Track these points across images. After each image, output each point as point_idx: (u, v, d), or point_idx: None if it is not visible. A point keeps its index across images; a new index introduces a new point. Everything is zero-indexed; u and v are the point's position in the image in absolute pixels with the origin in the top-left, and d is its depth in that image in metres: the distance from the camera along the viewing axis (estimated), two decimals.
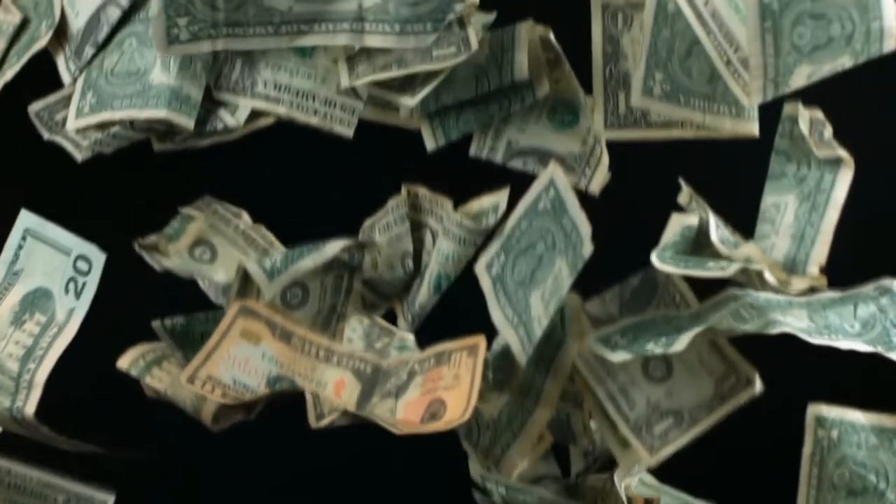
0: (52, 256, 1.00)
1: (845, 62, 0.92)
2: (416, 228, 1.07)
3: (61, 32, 1.04)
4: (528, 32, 1.04)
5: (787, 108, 1.01)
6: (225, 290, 1.04)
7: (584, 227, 0.89)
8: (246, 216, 1.11)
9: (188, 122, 1.02)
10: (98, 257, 0.99)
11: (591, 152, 1.07)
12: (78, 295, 0.99)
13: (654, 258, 0.95)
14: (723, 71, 0.96)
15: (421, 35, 0.88)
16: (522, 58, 1.04)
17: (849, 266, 0.98)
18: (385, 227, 1.08)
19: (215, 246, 1.09)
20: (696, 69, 1.01)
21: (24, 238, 1.01)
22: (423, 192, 1.07)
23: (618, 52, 1.05)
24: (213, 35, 0.89)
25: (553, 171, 0.92)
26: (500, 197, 1.04)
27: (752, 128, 1.02)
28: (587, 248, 0.88)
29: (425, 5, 0.88)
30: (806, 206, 1.00)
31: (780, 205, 1.01)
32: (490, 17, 1.01)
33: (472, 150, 1.08)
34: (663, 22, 1.01)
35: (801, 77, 0.92)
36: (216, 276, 1.06)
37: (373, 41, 0.89)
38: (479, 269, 0.98)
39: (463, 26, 0.99)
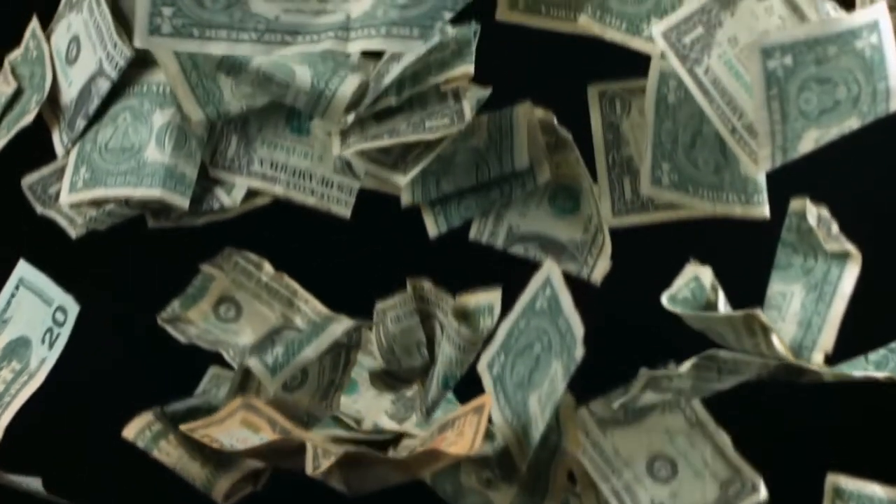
0: (37, 306, 0.99)
1: (853, 124, 0.91)
2: (426, 318, 1.05)
3: (55, 102, 1.03)
4: (526, 116, 1.04)
5: (794, 204, 1.01)
6: (250, 352, 1.03)
7: (578, 329, 0.87)
8: (267, 266, 1.10)
9: (183, 202, 1.01)
10: (73, 309, 0.97)
11: (593, 240, 1.05)
12: (51, 345, 0.97)
13: (664, 300, 0.94)
14: (728, 139, 0.95)
15: (407, 39, 0.87)
16: (522, 146, 1.03)
17: None
18: (396, 319, 1.05)
19: (239, 302, 1.08)
20: (701, 160, 1.00)
21: (17, 287, 1.00)
22: (427, 286, 1.05)
23: (619, 139, 1.04)
24: (196, 35, 0.87)
25: (549, 269, 0.90)
26: (494, 297, 1.01)
27: (763, 211, 1.01)
28: (579, 351, 0.87)
29: (415, 9, 0.87)
30: (813, 296, 1.00)
31: (787, 293, 1.01)
32: (485, 93, 1.00)
33: (472, 234, 1.06)
34: (665, 113, 1.01)
35: (810, 142, 0.91)
36: (242, 339, 1.05)
37: (356, 46, 0.88)
38: (482, 368, 0.97)
39: (458, 98, 0.99)
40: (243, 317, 1.08)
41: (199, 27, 0.87)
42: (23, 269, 1.00)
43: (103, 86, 1.00)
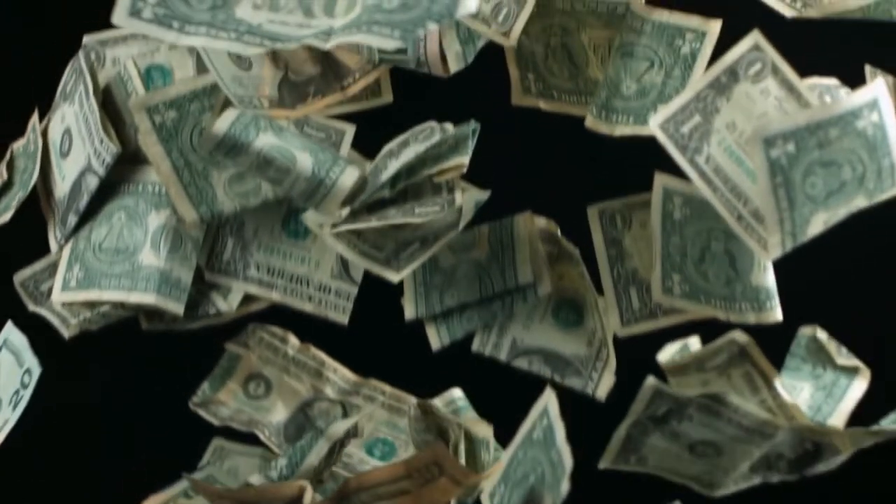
0: (13, 368, 0.97)
1: (860, 203, 0.90)
2: (443, 432, 1.03)
3: (51, 196, 1.02)
4: (526, 227, 1.03)
5: (804, 331, 1.01)
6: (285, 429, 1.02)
7: (567, 462, 0.84)
8: (293, 338, 1.08)
9: (178, 308, 1.00)
10: (36, 371, 0.95)
11: (597, 354, 1.03)
12: (15, 406, 0.96)
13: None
14: (734, 226, 0.93)
15: (387, 38, 0.85)
16: (524, 260, 1.02)
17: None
18: (417, 432, 1.04)
19: (268, 378, 1.07)
20: (711, 273, 0.99)
21: (0, 349, 0.98)
22: (434, 406, 1.04)
23: (622, 253, 1.03)
24: (175, 27, 0.86)
25: (548, 399, 0.88)
26: (487, 431, 1.02)
27: (776, 315, 0.99)
28: (565, 486, 0.84)
29: (400, 15, 0.86)
30: (822, 394, 1.00)
31: (797, 387, 1.00)
32: (483, 195, 0.99)
33: (475, 346, 1.04)
34: (671, 229, 1.00)
35: (818, 225, 0.90)
36: (275, 416, 1.04)
37: (335, 42, 0.87)
38: (484, 498, 0.93)
39: (451, 190, 0.98)
40: (273, 392, 1.07)
41: (180, 21, 0.86)
42: (8, 331, 0.98)
43: (92, 182, 1.00)
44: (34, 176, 1.02)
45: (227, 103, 0.99)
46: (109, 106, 1.01)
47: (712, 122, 0.94)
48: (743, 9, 0.96)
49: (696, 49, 0.98)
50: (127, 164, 1.00)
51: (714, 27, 0.98)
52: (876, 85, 0.89)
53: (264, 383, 1.07)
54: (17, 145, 1.05)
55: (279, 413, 1.06)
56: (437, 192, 0.98)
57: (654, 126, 0.94)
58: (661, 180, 1.00)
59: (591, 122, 1.01)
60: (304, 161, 0.97)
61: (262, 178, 0.98)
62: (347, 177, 0.98)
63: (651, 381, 0.90)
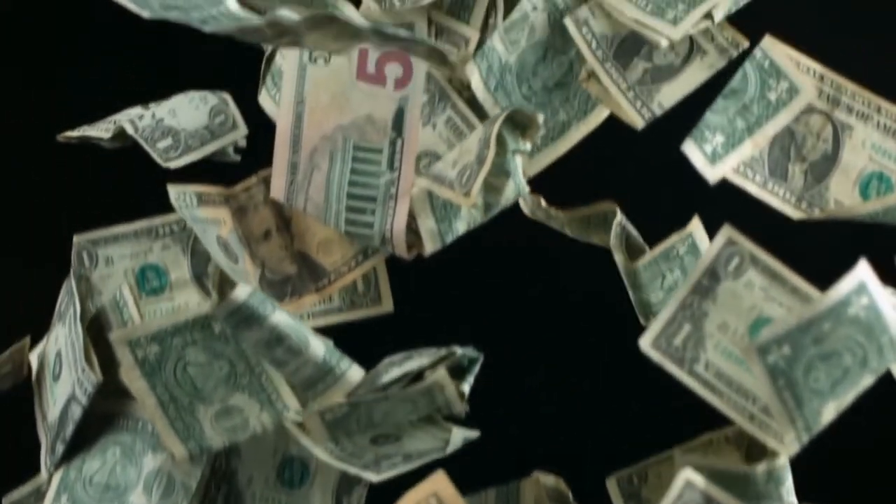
0: None
1: (867, 382, 0.89)
2: None
3: (45, 419, 1.01)
4: (532, 491, 1.02)
5: None
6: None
7: None
8: None
9: None
10: None
11: None
12: None
13: None
14: (748, 427, 0.92)
15: None
16: None
17: None
18: None
19: None
20: None
21: None
22: None
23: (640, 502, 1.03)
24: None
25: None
26: None
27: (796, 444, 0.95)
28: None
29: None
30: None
31: None
32: (473, 434, 0.97)
33: None
34: None
35: (830, 413, 0.89)
36: None
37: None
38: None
39: (447, 430, 0.96)
40: None
41: None
42: None
43: (76, 411, 0.98)
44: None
45: (223, 282, 0.99)
46: (103, 332, 0.99)
47: (703, 327, 0.93)
48: None
49: None
50: (126, 397, 0.98)
51: None
52: (860, 269, 0.88)
53: None
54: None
55: None
56: (431, 423, 0.96)
57: (645, 347, 0.93)
58: (684, 475, 0.94)
59: None
60: (317, 347, 0.94)
61: (268, 356, 0.95)
62: (354, 373, 0.96)
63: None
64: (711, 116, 0.96)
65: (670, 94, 0.98)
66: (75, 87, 1.16)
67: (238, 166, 1.01)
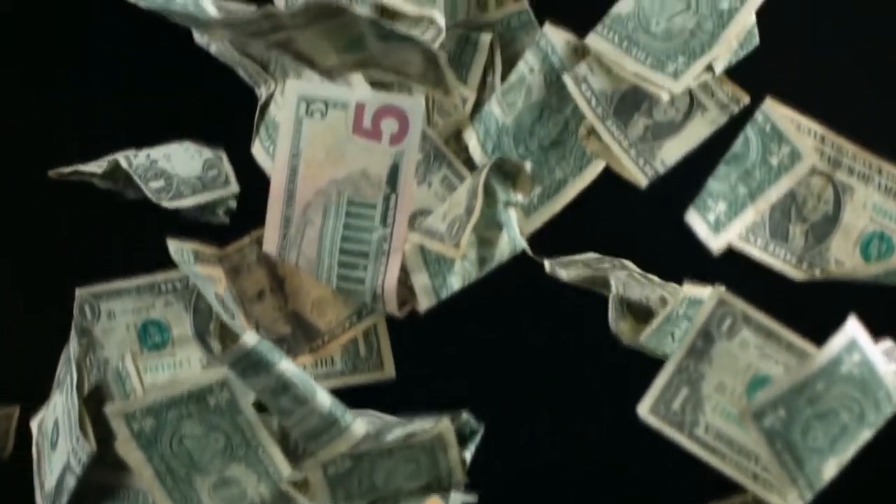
0: None
1: (866, 436, 0.89)
2: None
3: (42, 488, 1.00)
4: None
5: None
6: None
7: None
8: None
9: None
10: None
11: None
12: None
13: None
14: (751, 487, 0.92)
15: None
16: None
17: None
18: None
19: None
20: None
21: None
22: None
23: None
24: None
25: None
26: None
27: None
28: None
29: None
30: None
31: None
32: (471, 499, 0.97)
33: None
34: None
35: (831, 470, 0.88)
36: None
37: None
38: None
39: (446, 499, 0.96)
40: None
41: None
42: None
43: (70, 481, 0.97)
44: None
45: (224, 333, 0.98)
46: (104, 403, 0.98)
47: (701, 389, 0.92)
48: None
49: (736, 8, 0.94)
50: (124, 468, 0.97)
51: None
52: (850, 326, 0.88)
53: None
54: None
55: None
56: (428, 494, 0.95)
57: (643, 413, 0.93)
58: None
59: (606, 50, 0.96)
60: (323, 398, 0.94)
61: (273, 404, 0.94)
62: (358, 426, 0.94)
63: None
64: (714, 184, 0.95)
65: (673, 151, 0.97)
66: (75, 87, 1.16)
67: (232, 219, 1.01)
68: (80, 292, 1.01)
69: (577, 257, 1.03)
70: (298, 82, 0.96)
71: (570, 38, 0.98)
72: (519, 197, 0.94)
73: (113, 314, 1.01)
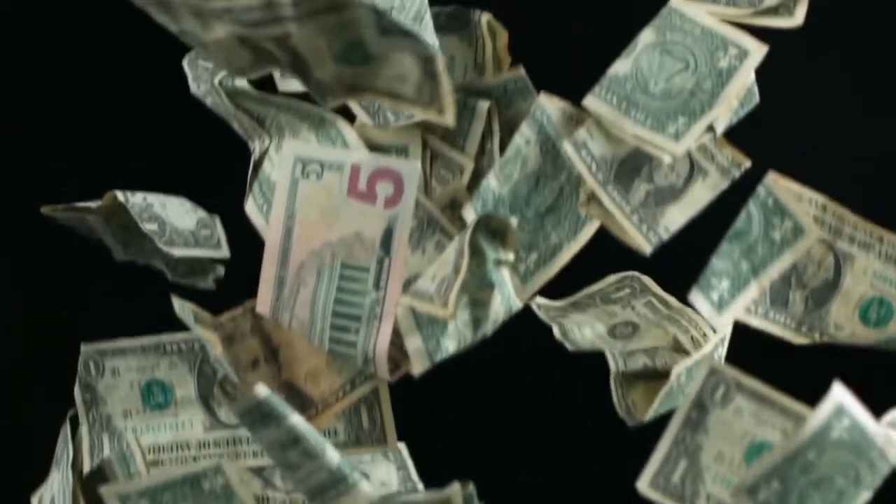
0: None
1: (865, 496, 0.87)
2: None
3: None
4: None
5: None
6: None
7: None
8: None
9: None
10: None
11: None
12: None
13: None
14: None
15: None
16: None
17: None
18: None
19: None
20: None
21: None
22: None
23: None
24: None
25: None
26: None
27: None
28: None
29: None
30: None
31: None
32: None
33: None
34: None
35: None
36: None
37: None
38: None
39: None
40: None
41: None
42: None
43: None
44: None
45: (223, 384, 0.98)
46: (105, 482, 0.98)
47: (700, 460, 0.91)
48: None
49: (735, 67, 0.93)
50: None
51: (759, 50, 0.93)
52: (835, 393, 0.86)
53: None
54: None
55: None
56: None
57: (643, 488, 0.92)
58: None
59: (605, 112, 0.95)
60: (333, 453, 0.92)
61: (280, 459, 0.93)
62: (366, 486, 0.93)
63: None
64: (717, 262, 0.94)
65: (675, 217, 0.96)
66: (75, 87, 1.16)
67: (223, 286, 1.01)
68: (85, 349, 1.01)
69: (592, 288, 1.03)
70: (295, 143, 0.96)
71: (565, 107, 0.97)
72: (509, 255, 0.94)
73: (117, 371, 1.00)
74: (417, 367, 0.94)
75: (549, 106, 0.97)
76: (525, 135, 0.97)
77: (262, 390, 0.90)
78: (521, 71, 1.02)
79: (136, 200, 1.01)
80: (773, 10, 0.95)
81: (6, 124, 1.14)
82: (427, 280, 0.94)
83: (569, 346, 1.04)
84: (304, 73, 0.90)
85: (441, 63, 0.86)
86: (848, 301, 0.96)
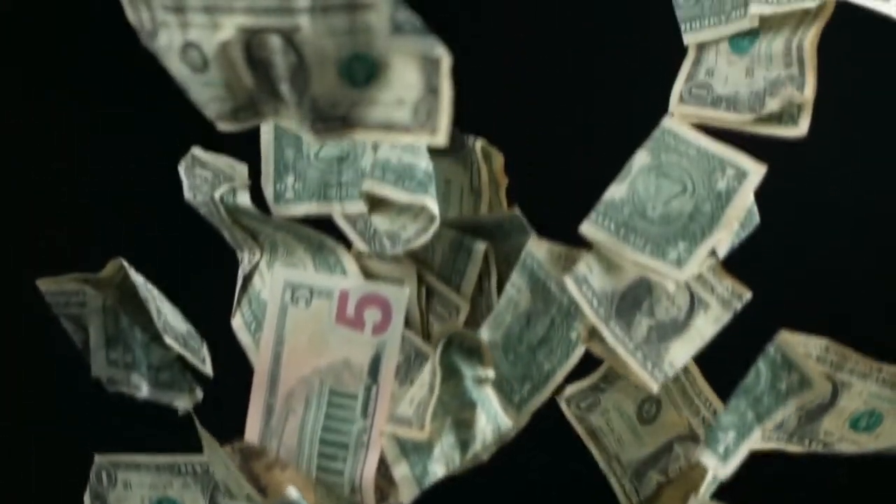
0: None
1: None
2: None
3: None
4: None
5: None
6: None
7: None
8: None
9: None
10: None
11: None
12: None
13: None
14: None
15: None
16: None
17: None
18: None
19: None
20: None
21: None
22: None
23: None
24: None
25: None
26: None
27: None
28: None
29: None
30: None
31: None
32: None
33: None
34: None
35: None
36: None
37: None
38: None
39: None
40: None
41: None
42: None
43: None
44: None
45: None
46: None
47: None
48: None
49: (734, 188, 0.91)
50: None
51: (758, 170, 0.91)
52: None
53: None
54: None
55: None
56: None
57: None
58: None
59: (603, 238, 0.93)
60: None
61: None
62: None
63: None
64: (726, 419, 0.92)
65: (680, 352, 0.93)
66: (75, 87, 1.16)
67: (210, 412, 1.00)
68: (98, 459, 1.00)
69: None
70: (285, 268, 0.96)
71: (553, 248, 0.96)
72: (488, 372, 0.92)
73: (129, 485, 1.00)
74: (406, 495, 0.93)
75: (538, 251, 0.96)
76: (516, 284, 0.96)
77: (293, 493, 0.90)
78: (517, 210, 1.00)
79: (137, 278, 1.01)
80: (777, 118, 0.93)
81: (6, 124, 1.13)
82: (405, 404, 0.93)
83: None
84: (303, 85, 0.84)
85: (447, 65, 0.81)
86: (840, 415, 0.94)
